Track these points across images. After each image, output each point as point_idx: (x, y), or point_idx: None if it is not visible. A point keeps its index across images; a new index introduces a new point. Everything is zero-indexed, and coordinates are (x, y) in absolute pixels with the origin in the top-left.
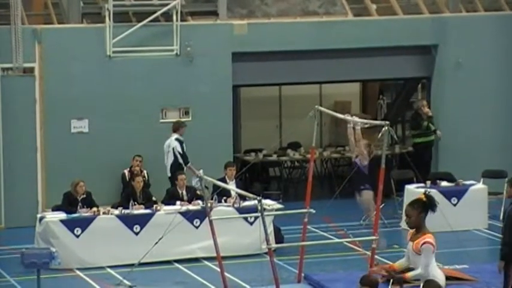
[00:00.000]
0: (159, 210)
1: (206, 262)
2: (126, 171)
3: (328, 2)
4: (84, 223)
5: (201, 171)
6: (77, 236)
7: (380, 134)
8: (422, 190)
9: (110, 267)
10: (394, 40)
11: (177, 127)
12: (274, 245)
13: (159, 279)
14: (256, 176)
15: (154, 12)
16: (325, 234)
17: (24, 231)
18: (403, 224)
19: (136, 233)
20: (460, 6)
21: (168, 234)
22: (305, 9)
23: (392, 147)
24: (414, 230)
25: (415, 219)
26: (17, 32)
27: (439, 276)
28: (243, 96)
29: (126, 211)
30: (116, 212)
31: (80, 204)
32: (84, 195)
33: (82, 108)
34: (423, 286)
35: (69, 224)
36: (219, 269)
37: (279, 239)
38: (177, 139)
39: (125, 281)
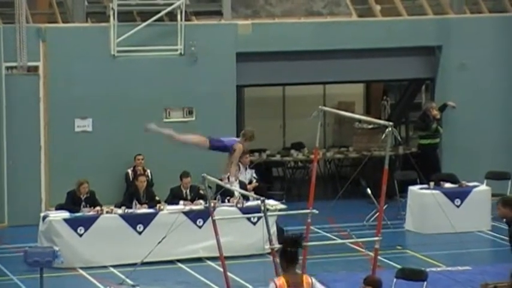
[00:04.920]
0: (162, 209)
1: (209, 262)
2: (129, 171)
3: (332, 3)
4: (88, 222)
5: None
6: (80, 235)
7: (384, 135)
8: (426, 191)
9: (113, 266)
10: (398, 41)
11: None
12: (277, 245)
13: (162, 279)
14: (259, 176)
15: (159, 11)
16: (328, 234)
17: (27, 230)
18: (407, 225)
19: (140, 233)
20: (464, 8)
21: (171, 234)
22: (309, 10)
23: (396, 148)
24: None
25: None
26: (21, 31)
27: None
28: (247, 96)
29: (130, 210)
30: (119, 211)
31: (83, 203)
32: (88, 195)
33: (86, 108)
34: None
35: (73, 223)
36: (221, 269)
37: (282, 239)
38: None
39: (128, 280)
